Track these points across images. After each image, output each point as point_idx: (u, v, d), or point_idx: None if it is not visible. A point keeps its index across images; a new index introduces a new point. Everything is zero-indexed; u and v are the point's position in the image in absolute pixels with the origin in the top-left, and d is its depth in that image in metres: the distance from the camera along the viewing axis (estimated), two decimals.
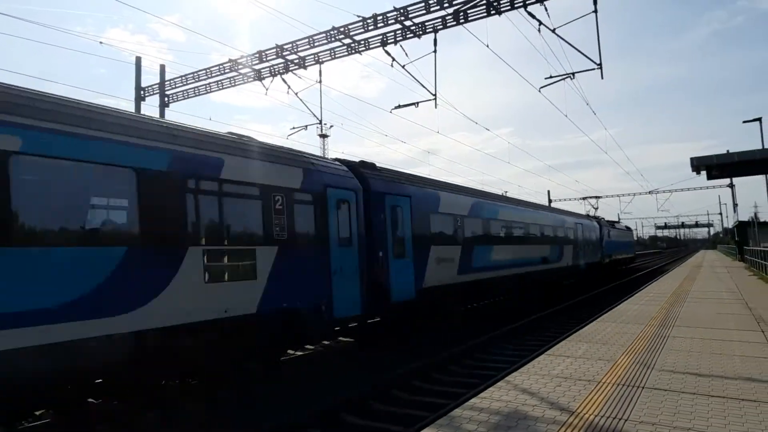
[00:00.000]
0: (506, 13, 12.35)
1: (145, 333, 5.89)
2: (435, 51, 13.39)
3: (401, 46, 13.77)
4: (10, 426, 5.60)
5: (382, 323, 10.96)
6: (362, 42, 14.17)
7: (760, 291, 14.24)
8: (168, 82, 18.31)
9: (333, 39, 14.19)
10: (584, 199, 47.43)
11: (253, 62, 16.04)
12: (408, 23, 13.18)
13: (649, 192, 51.33)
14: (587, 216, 31.71)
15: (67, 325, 5.17)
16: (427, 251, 11.80)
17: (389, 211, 10.63)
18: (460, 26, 12.91)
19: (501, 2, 12.23)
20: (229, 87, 17.52)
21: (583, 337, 7.76)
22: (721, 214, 77.61)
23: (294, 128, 19.26)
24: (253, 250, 7.36)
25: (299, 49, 14.88)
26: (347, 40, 14.15)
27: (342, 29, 13.85)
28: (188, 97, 18.49)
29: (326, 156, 20.97)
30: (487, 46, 13.31)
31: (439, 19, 13.06)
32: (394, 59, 13.68)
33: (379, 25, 13.40)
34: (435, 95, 13.86)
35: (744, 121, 27.80)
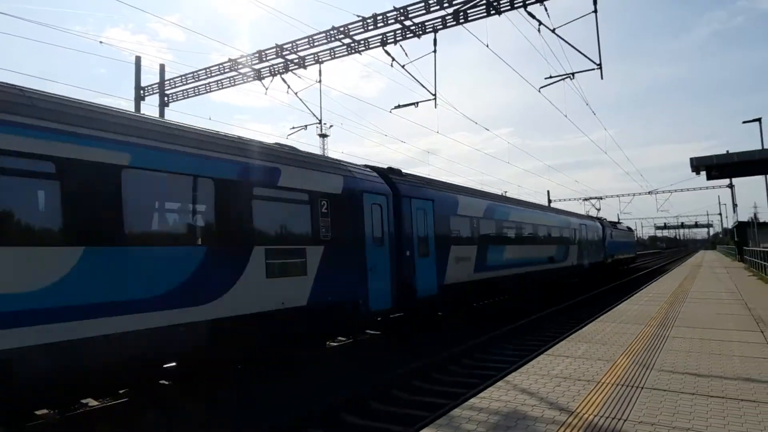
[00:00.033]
0: (506, 13, 12.36)
1: (220, 321, 6.75)
2: (435, 51, 13.40)
3: (401, 45, 13.78)
4: (11, 426, 5.60)
5: (405, 318, 11.59)
6: (362, 42, 14.17)
7: (760, 291, 14.25)
8: (168, 82, 18.31)
9: (333, 39, 14.19)
10: (587, 200, 47.63)
11: (253, 62, 16.05)
12: (408, 23, 13.19)
13: (649, 192, 51.39)
14: (590, 217, 32.22)
15: (163, 313, 6.06)
16: (447, 251, 12.65)
17: (415, 213, 11.49)
18: (459, 26, 12.92)
19: (501, 2, 12.24)
20: (228, 87, 17.53)
21: (583, 337, 7.76)
22: (720, 214, 77.71)
23: (294, 128, 19.29)
24: (304, 249, 8.29)
25: (299, 48, 14.88)
26: (347, 40, 14.15)
27: (342, 29, 13.86)
28: (188, 97, 18.49)
29: (326, 155, 20.96)
30: (487, 46, 13.32)
31: (439, 19, 13.07)
32: (393, 59, 13.69)
33: (378, 25, 13.40)
34: (435, 95, 13.87)
35: (744, 122, 27.83)
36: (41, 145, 5.18)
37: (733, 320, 8.94)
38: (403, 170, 12.64)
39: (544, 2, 11.79)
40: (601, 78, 12.86)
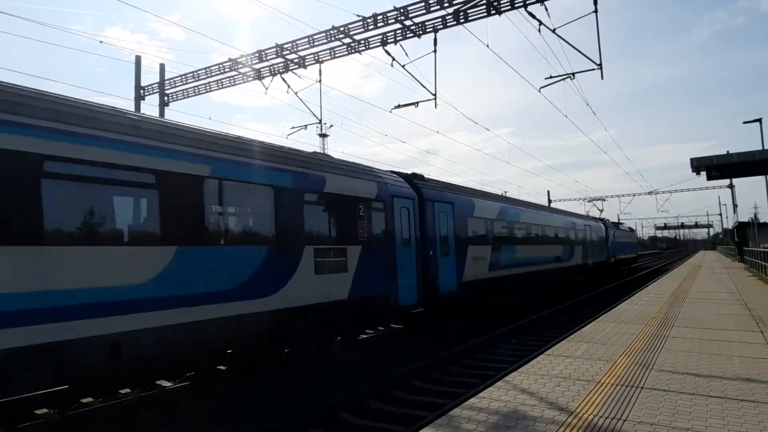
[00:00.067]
0: (506, 13, 12.36)
1: (278, 311, 7.62)
2: (435, 51, 13.39)
3: (401, 45, 13.77)
4: (10, 426, 5.61)
5: (424, 313, 12.21)
6: (362, 41, 14.17)
7: (760, 292, 14.25)
8: (168, 82, 18.30)
9: (333, 38, 14.19)
10: (591, 201, 47.76)
11: (253, 61, 16.04)
12: (408, 23, 13.18)
13: (649, 192, 51.40)
14: (594, 218, 32.81)
15: (236, 303, 6.94)
16: (465, 250, 13.51)
17: (437, 216, 12.35)
18: (460, 26, 12.91)
19: (501, 2, 12.23)
20: (228, 86, 17.53)
21: (583, 337, 7.76)
22: (720, 214, 77.62)
23: (294, 128, 19.29)
24: (345, 248, 9.15)
25: (299, 48, 14.87)
26: (347, 40, 14.15)
27: (342, 29, 13.85)
28: (188, 97, 18.49)
29: (325, 154, 20.94)
30: (488, 46, 13.32)
31: (439, 19, 13.06)
32: (394, 59, 13.68)
33: (379, 25, 13.40)
34: (435, 95, 13.86)
35: (744, 122, 27.84)
36: (145, 160, 6.10)
37: (733, 320, 8.94)
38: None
39: (545, 2, 11.79)
40: (602, 78, 12.86)
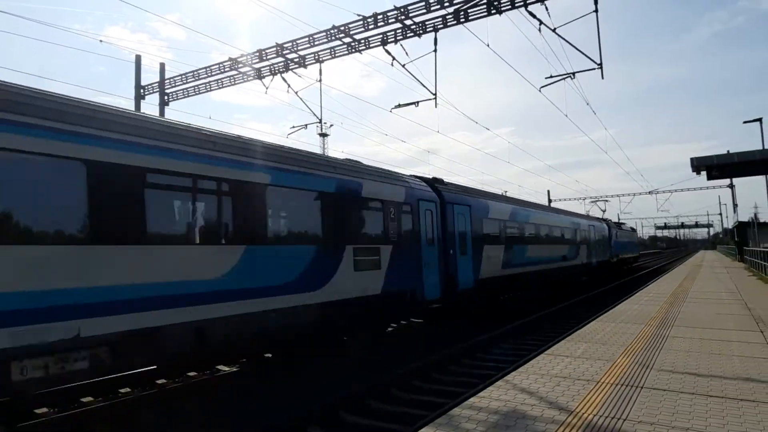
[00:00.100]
0: (507, 13, 12.35)
1: (324, 304, 8.49)
2: (435, 50, 13.39)
3: (401, 45, 13.77)
4: (10, 425, 5.61)
5: (446, 308, 12.98)
6: (362, 41, 14.16)
7: (760, 292, 14.25)
8: (168, 81, 18.30)
9: (333, 38, 14.18)
10: (593, 202, 47.94)
11: (253, 61, 16.04)
12: (408, 22, 13.18)
13: (649, 192, 51.44)
14: (598, 218, 33.58)
15: (291, 296, 7.84)
16: (481, 249, 14.38)
17: (456, 217, 13.18)
18: (460, 25, 12.91)
19: (501, 1, 12.23)
20: (229, 86, 17.52)
21: (583, 336, 7.76)
22: (720, 214, 77.67)
23: (294, 127, 19.31)
24: (378, 248, 10.04)
25: (299, 47, 14.87)
26: (347, 39, 14.14)
27: (342, 28, 13.85)
28: (188, 96, 18.49)
29: (325, 154, 21.00)
30: (488, 45, 13.30)
31: (440, 18, 13.06)
32: (394, 58, 13.67)
33: (379, 24, 13.39)
34: (435, 94, 13.86)
35: (744, 122, 27.82)
36: (223, 171, 7.03)
37: (733, 320, 8.94)
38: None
39: (545, 2, 11.79)
40: (602, 78, 12.86)
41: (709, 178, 22.03)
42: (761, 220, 40.46)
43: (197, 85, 17.98)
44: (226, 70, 16.89)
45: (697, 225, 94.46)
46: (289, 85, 16.15)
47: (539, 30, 12.09)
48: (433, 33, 13.27)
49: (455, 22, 12.85)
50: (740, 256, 36.11)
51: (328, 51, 14.92)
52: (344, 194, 9.24)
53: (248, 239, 7.25)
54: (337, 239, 8.95)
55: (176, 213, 6.55)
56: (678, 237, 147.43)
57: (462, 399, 5.89)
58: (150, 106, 26.68)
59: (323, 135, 43.26)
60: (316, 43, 14.52)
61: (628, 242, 41.47)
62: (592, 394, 4.77)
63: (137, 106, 18.14)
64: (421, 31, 13.37)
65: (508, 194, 31.05)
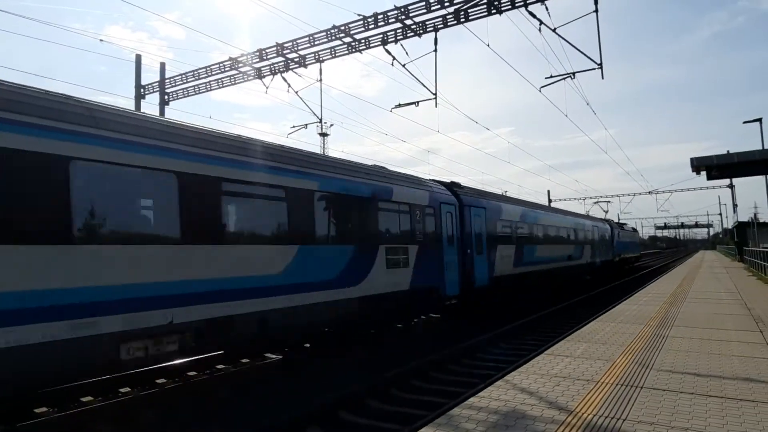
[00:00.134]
0: (507, 13, 12.35)
1: (363, 297, 9.48)
2: (435, 50, 13.39)
3: (402, 44, 13.77)
4: (10, 425, 5.61)
5: (464, 303, 13.86)
6: (363, 41, 14.16)
7: (759, 292, 14.25)
8: (168, 80, 18.30)
9: (333, 37, 14.18)
10: (596, 203, 48.15)
11: (254, 60, 16.04)
12: (408, 22, 13.18)
13: (649, 192, 51.46)
14: (601, 219, 34.53)
15: (334, 290, 8.77)
16: (495, 249, 15.31)
17: (473, 219, 14.05)
18: (460, 25, 12.91)
19: (501, 1, 12.23)
20: (229, 85, 17.52)
21: (582, 336, 7.77)
22: (720, 214, 77.67)
23: (294, 127, 19.32)
24: (407, 247, 10.94)
25: (300, 47, 14.87)
26: (348, 39, 14.14)
27: (342, 28, 13.85)
28: (188, 95, 18.49)
29: (325, 154, 21.02)
30: (488, 45, 13.30)
31: (440, 18, 13.06)
32: (394, 58, 13.68)
33: (379, 24, 13.39)
34: (435, 94, 13.86)
35: (744, 122, 27.80)
36: (281, 180, 8.00)
37: (732, 320, 8.94)
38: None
39: (545, 2, 11.79)
40: (602, 78, 12.87)
41: (709, 178, 22.02)
42: (761, 221, 40.50)
43: (197, 85, 17.98)
44: (227, 69, 16.89)
45: (696, 225, 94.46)
46: (289, 85, 16.17)
47: (539, 30, 12.10)
48: (434, 33, 13.27)
49: (455, 22, 12.85)
50: (740, 256, 36.13)
51: (329, 51, 14.92)
52: (378, 199, 10.22)
53: (300, 240, 8.19)
54: (372, 240, 9.91)
55: (247, 217, 7.61)
56: (678, 237, 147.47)
57: (462, 399, 5.90)
58: (150, 106, 26.67)
59: (323, 135, 43.28)
60: (316, 42, 14.52)
61: (630, 242, 42.43)
62: (591, 394, 4.78)
63: (137, 106, 18.14)
64: (421, 31, 13.37)
65: (507, 194, 31.12)
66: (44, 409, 6.33)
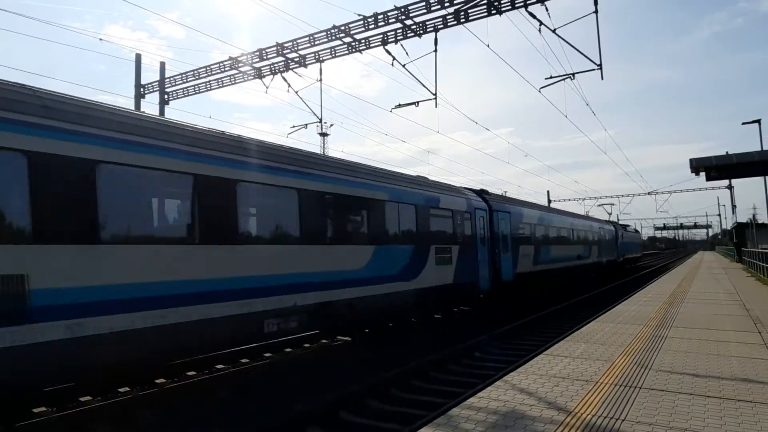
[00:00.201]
0: (507, 13, 12.35)
1: (419, 289, 11.30)
2: (435, 50, 13.39)
3: (402, 45, 13.76)
4: (10, 425, 5.61)
5: (493, 296, 15.39)
6: (363, 41, 14.16)
7: (758, 293, 14.28)
8: (168, 80, 18.28)
9: (334, 37, 14.18)
10: (600, 205, 48.50)
11: (254, 60, 16.03)
12: (409, 22, 13.18)
13: (648, 193, 51.44)
14: (606, 221, 36.30)
15: (398, 283, 10.59)
16: (518, 249, 17.07)
17: (500, 222, 15.83)
18: (460, 26, 12.91)
19: (501, 2, 12.23)
20: (229, 85, 17.50)
21: (582, 337, 7.78)
22: (719, 215, 77.57)
23: (294, 127, 19.34)
24: (450, 247, 12.73)
25: (300, 47, 14.86)
26: (348, 39, 14.14)
27: (343, 28, 13.84)
28: (188, 95, 18.46)
29: (325, 153, 21.04)
30: (488, 45, 13.31)
31: (440, 19, 13.05)
32: (394, 58, 13.67)
33: (379, 24, 13.39)
34: (435, 95, 13.87)
35: (743, 123, 27.84)
36: (363, 192, 9.82)
37: (731, 321, 8.96)
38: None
39: (545, 2, 11.78)
40: (602, 78, 12.86)
41: (708, 179, 22.04)
42: (760, 221, 40.54)
43: (197, 84, 17.96)
44: (227, 69, 16.87)
45: (695, 226, 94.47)
46: (289, 85, 16.15)
47: (539, 30, 12.10)
48: (434, 33, 13.27)
49: (455, 22, 12.85)
50: (738, 257, 36.17)
51: (329, 50, 14.92)
52: (430, 206, 12.00)
53: (375, 241, 10.00)
54: (426, 241, 11.64)
55: (343, 222, 9.38)
56: (677, 238, 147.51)
57: (461, 399, 5.91)
58: (150, 105, 26.65)
59: (323, 135, 43.28)
60: (316, 42, 14.51)
61: (633, 243, 44.36)
62: (590, 394, 4.79)
63: (137, 105, 18.13)
64: (421, 31, 13.37)
65: (507, 194, 31.19)
66: (43, 408, 6.33)
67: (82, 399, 6.81)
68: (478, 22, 12.71)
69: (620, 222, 47.05)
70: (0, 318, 4.80)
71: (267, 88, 16.45)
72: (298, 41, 14.72)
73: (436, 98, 13.85)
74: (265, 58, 15.66)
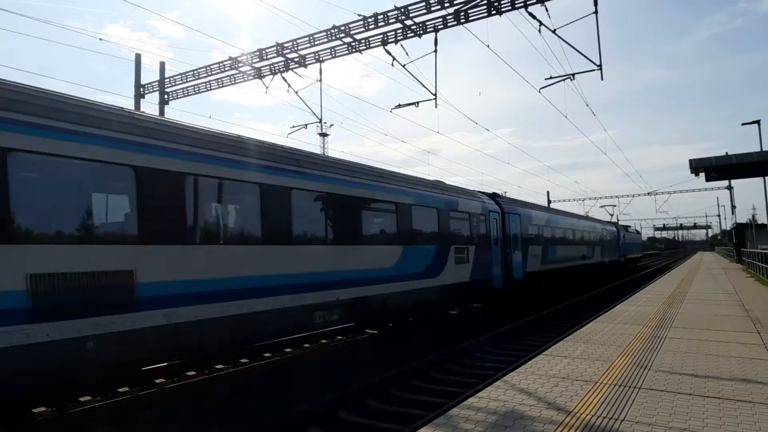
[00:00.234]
0: (507, 14, 12.35)
1: (441, 286, 12.17)
2: (435, 50, 13.40)
3: (402, 45, 13.76)
4: (10, 425, 5.62)
5: (505, 294, 16.12)
6: (363, 41, 14.16)
7: (757, 293, 14.29)
8: (168, 80, 18.28)
9: (333, 38, 14.18)
10: (602, 206, 48.63)
11: (254, 60, 16.03)
12: (409, 22, 13.18)
13: (648, 193, 51.42)
14: (609, 222, 37.21)
15: (421, 280, 11.45)
16: (527, 249, 17.87)
17: (511, 224, 16.63)
18: (460, 26, 12.92)
19: (502, 2, 12.24)
20: (229, 85, 17.50)
21: (581, 337, 7.79)
22: (719, 216, 77.58)
23: (294, 127, 19.33)
24: (467, 247, 13.60)
25: (300, 47, 14.86)
26: (348, 39, 14.14)
27: (343, 28, 13.85)
28: (188, 95, 18.46)
29: (326, 153, 21.04)
30: (488, 46, 13.32)
31: (440, 19, 13.06)
32: (394, 58, 13.68)
33: (379, 24, 13.39)
34: (435, 95, 13.87)
35: (743, 123, 27.90)
36: (392, 197, 10.80)
37: (730, 322, 8.97)
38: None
39: (545, 2, 11.79)
40: (602, 79, 12.87)
41: (708, 179, 22.09)
42: (759, 222, 40.57)
43: (197, 84, 17.95)
44: (226, 69, 16.86)
45: (695, 226, 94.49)
46: (289, 85, 16.16)
47: (539, 31, 12.10)
48: (434, 33, 13.27)
49: (455, 22, 12.86)
50: (738, 257, 36.19)
51: (329, 51, 14.92)
52: (450, 209, 12.89)
53: (404, 242, 10.90)
54: (447, 241, 12.50)
55: (377, 223, 10.40)
56: (676, 238, 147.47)
57: (461, 399, 5.91)
58: (150, 105, 26.62)
59: (323, 135, 43.28)
60: (316, 42, 14.51)
61: (634, 243, 45.37)
62: (590, 394, 4.80)
63: (137, 105, 18.13)
64: (421, 32, 13.38)
65: (507, 194, 31.25)
66: (43, 409, 6.32)
67: (81, 399, 6.81)
68: (478, 22, 12.72)
69: (620, 222, 47.12)
70: (114, 306, 5.70)
71: (267, 88, 16.46)
72: (298, 41, 14.72)
73: (436, 98, 13.85)
74: (265, 58, 15.66)
